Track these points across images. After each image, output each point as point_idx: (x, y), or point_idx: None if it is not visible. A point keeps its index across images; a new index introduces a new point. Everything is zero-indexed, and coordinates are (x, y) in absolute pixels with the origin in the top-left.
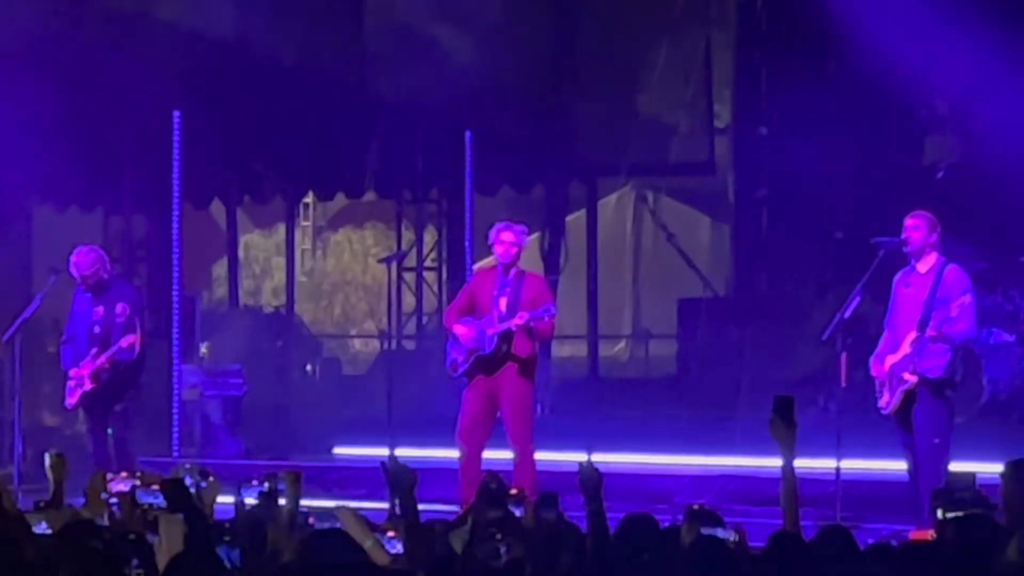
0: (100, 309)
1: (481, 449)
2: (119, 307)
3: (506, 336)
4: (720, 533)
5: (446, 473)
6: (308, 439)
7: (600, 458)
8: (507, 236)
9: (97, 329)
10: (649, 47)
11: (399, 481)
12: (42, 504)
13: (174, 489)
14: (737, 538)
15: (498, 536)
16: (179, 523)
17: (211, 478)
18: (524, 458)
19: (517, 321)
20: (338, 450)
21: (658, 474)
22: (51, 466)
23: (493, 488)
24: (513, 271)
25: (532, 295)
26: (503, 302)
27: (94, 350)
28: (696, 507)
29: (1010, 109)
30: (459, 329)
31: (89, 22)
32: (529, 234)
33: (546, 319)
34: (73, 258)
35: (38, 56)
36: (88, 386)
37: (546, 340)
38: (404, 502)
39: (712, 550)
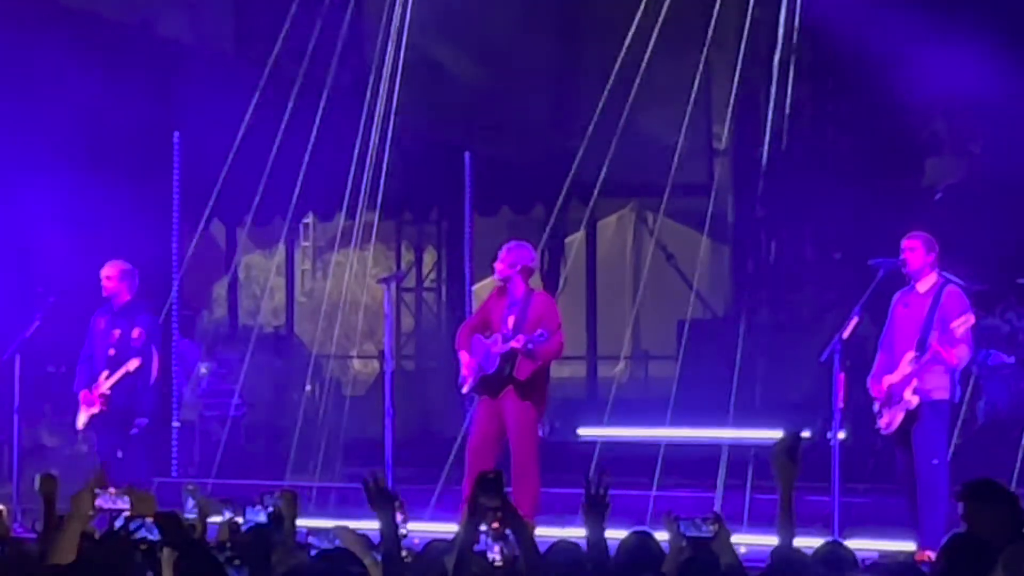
0: (117, 332)
1: (491, 468)
2: (136, 331)
3: (509, 357)
4: (705, 530)
5: (444, 494)
6: (307, 459)
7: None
8: (501, 253)
9: (112, 351)
10: (648, 68)
11: (380, 504)
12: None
13: (167, 522)
14: (717, 528)
15: (495, 524)
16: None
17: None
18: (525, 480)
19: (515, 344)
20: (338, 470)
21: (657, 495)
22: (40, 486)
23: (491, 478)
24: (523, 290)
25: (538, 314)
26: (511, 320)
27: (106, 372)
28: (673, 515)
29: (1010, 130)
30: (463, 356)
31: (88, 41)
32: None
33: (541, 342)
34: (104, 267)
35: (38, 77)
36: (98, 407)
37: (550, 360)
38: (384, 524)
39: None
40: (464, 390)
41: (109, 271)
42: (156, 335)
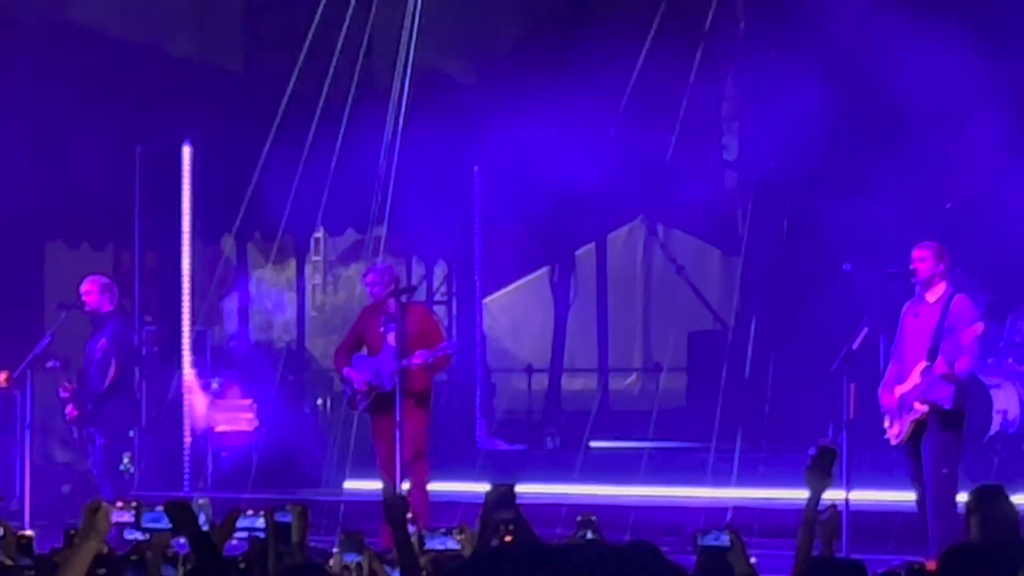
0: (92, 342)
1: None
2: (100, 341)
3: (404, 373)
4: (723, 539)
5: (449, 505)
6: (319, 473)
7: (612, 491)
8: (370, 278)
9: (86, 361)
10: (657, 79)
11: (393, 509)
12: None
13: (178, 510)
14: (733, 539)
15: (508, 539)
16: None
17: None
18: (417, 489)
19: (417, 360)
20: (349, 484)
21: (668, 506)
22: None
23: (502, 491)
24: (394, 305)
25: (419, 328)
26: (391, 337)
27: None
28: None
29: (1020, 140)
30: (351, 373)
31: (100, 56)
32: (394, 266)
33: (440, 355)
34: (82, 284)
35: (46, 90)
36: (72, 414)
37: (444, 370)
38: (396, 529)
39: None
40: (359, 409)
41: (91, 293)
42: (117, 344)
